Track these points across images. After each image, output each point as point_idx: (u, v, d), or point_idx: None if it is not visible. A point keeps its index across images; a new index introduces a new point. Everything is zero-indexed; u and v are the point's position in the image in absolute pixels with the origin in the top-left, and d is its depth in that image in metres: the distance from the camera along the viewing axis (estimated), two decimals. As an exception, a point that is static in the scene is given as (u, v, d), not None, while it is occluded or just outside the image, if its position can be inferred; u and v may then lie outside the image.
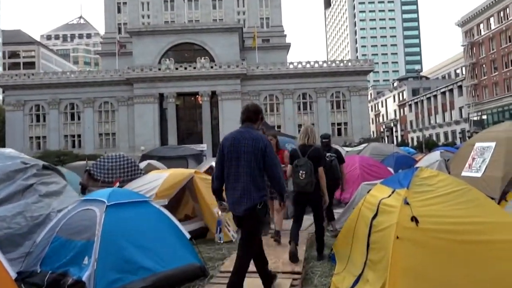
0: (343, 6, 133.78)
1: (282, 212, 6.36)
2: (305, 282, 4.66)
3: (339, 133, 51.32)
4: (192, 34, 52.65)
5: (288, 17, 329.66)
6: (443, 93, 63.69)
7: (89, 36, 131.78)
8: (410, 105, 72.78)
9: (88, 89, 51.15)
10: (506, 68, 50.31)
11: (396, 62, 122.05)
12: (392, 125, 78.39)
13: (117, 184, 7.72)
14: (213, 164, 14.13)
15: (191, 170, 8.35)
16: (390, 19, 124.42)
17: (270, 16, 62.02)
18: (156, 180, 7.10)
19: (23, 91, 51.12)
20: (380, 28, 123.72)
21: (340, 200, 9.85)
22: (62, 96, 51.36)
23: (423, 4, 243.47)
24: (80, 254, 4.40)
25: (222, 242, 6.70)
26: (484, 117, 53.96)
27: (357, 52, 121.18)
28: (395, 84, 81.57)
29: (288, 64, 52.93)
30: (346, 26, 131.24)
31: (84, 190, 8.27)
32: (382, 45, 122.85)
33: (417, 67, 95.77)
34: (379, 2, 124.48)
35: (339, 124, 52.13)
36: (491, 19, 52.62)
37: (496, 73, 52.09)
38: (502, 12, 50.69)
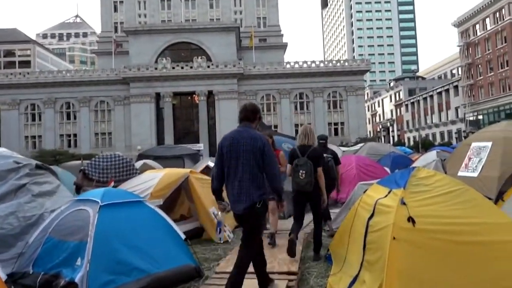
0: (340, 6, 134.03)
1: (278, 213, 6.34)
2: (301, 283, 4.63)
3: (336, 133, 51.40)
4: (189, 33, 52.52)
5: (285, 17, 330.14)
6: (439, 93, 63.94)
7: (85, 35, 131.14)
8: (406, 105, 73.02)
9: (84, 88, 50.89)
10: (501, 68, 50.56)
11: (393, 62, 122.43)
12: (388, 125, 78.53)
13: (112, 184, 7.65)
14: (210, 163, 14.10)
15: (186, 169, 8.29)
16: (386, 19, 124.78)
17: (267, 15, 62.00)
18: (151, 180, 7.04)
19: (19, 90, 50.79)
20: (377, 28, 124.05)
21: (337, 200, 9.84)
22: (58, 95, 51.06)
23: (419, 4, 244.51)
24: (72, 255, 4.33)
25: (222, 242, 6.79)
26: (480, 117, 54.24)
27: (353, 52, 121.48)
28: (392, 84, 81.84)
29: (285, 63, 52.94)
30: (343, 26, 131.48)
31: (78, 190, 8.18)
32: (378, 45, 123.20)
33: (413, 67, 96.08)
34: (375, 2, 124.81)
35: (335, 124, 52.22)
36: (487, 20, 52.87)
37: (492, 73, 52.35)
38: (498, 13, 50.94)
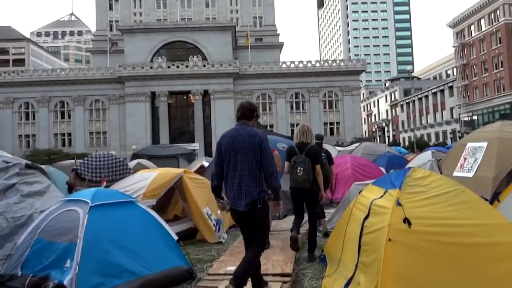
0: (336, 6, 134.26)
1: (274, 212, 6.30)
2: (295, 285, 4.57)
3: (331, 133, 51.50)
4: (185, 32, 52.33)
5: (281, 17, 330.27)
6: (434, 93, 64.24)
7: (80, 33, 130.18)
8: (401, 105, 73.29)
9: (78, 87, 50.52)
10: (496, 69, 50.88)
11: (388, 63, 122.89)
12: (384, 125, 78.88)
13: (104, 183, 7.55)
14: (204, 163, 13.98)
15: (180, 169, 8.20)
16: (382, 19, 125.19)
17: (263, 15, 61.95)
18: (144, 180, 6.94)
19: (12, 89, 50.32)
20: (373, 28, 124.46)
21: (332, 200, 9.80)
22: (52, 94, 50.65)
23: (415, 5, 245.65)
24: (62, 257, 4.23)
25: (221, 241, 6.77)
26: (475, 117, 54.56)
27: (349, 52, 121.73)
28: (387, 84, 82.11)
29: (281, 63, 52.93)
30: (339, 26, 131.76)
31: (71, 189, 8.06)
32: (374, 45, 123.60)
33: (409, 67, 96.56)
34: (371, 2, 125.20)
35: (331, 123, 52.32)
36: (482, 21, 53.17)
37: (487, 74, 52.67)
38: (492, 14, 51.26)
